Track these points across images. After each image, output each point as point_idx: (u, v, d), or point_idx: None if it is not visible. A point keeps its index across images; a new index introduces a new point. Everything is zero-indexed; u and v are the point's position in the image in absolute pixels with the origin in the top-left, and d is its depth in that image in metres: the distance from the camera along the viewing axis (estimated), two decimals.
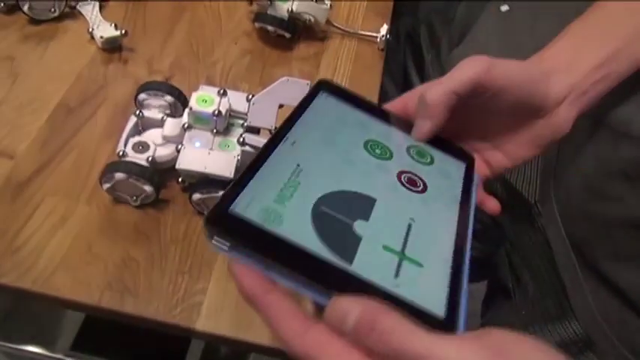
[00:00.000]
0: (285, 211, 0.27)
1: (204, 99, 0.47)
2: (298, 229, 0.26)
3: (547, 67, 0.38)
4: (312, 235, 0.26)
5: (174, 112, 0.53)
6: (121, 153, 0.47)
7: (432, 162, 0.36)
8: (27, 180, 0.50)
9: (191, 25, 0.68)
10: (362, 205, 0.30)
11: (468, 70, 0.34)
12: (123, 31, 0.62)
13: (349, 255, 0.26)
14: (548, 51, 0.40)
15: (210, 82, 0.62)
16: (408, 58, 1.15)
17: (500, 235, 0.67)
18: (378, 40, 0.71)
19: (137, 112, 0.50)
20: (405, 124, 0.38)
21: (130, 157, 0.48)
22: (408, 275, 0.27)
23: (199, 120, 0.47)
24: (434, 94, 0.34)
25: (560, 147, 0.53)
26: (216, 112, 0.47)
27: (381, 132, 0.37)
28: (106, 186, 0.47)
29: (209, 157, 0.47)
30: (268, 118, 0.48)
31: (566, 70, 0.38)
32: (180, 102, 0.53)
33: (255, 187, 0.28)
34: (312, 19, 0.68)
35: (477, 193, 0.37)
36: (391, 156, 0.34)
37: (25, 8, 0.62)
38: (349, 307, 0.23)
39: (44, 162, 0.52)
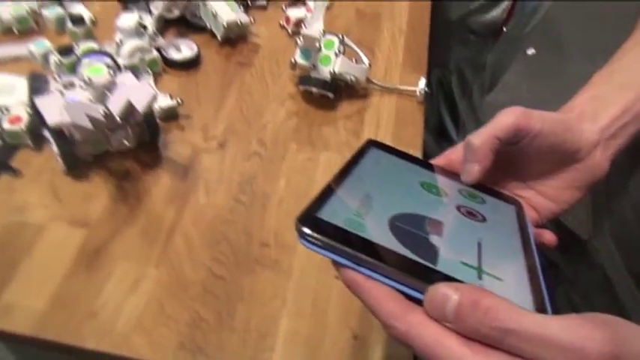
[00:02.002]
0: (365, 222, 0.29)
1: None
2: (380, 235, 0.28)
3: (576, 114, 0.41)
4: (394, 241, 0.28)
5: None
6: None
7: (484, 202, 0.38)
8: (102, 247, 0.53)
9: (240, 92, 0.72)
10: (432, 225, 0.31)
11: (507, 117, 0.37)
12: (179, 100, 0.66)
13: (432, 259, 0.28)
14: (575, 101, 0.43)
15: (261, 144, 0.65)
16: (441, 106, 1.19)
17: (556, 275, 0.67)
18: (418, 93, 0.74)
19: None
20: (453, 175, 0.40)
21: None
22: (492, 286, 0.27)
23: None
24: (479, 138, 0.37)
25: (609, 180, 0.54)
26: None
27: (432, 177, 0.39)
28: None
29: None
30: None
31: (592, 117, 0.41)
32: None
33: (337, 199, 0.30)
34: (354, 79, 0.72)
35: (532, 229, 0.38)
36: (446, 195, 0.37)
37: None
38: (449, 291, 0.24)
39: (116, 228, 0.55)
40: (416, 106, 0.74)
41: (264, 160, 0.64)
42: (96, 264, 0.52)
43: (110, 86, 0.58)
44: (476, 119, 1.18)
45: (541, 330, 0.22)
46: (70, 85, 0.60)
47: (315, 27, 0.71)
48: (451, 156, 0.41)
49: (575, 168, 0.40)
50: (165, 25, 0.79)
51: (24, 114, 0.60)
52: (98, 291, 0.50)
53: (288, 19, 0.83)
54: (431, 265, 0.27)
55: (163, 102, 0.66)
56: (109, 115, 0.52)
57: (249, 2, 0.85)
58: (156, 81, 0.71)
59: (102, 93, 0.58)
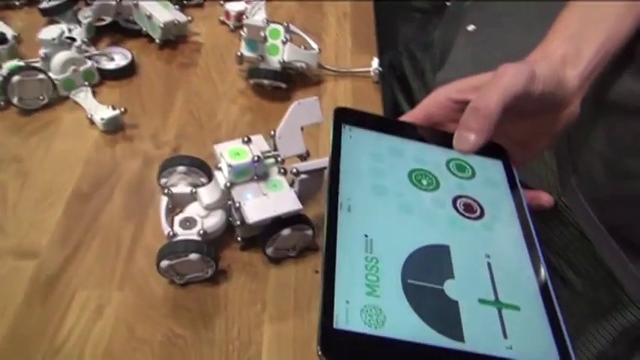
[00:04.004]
0: (382, 302, 0.27)
1: (236, 152, 0.47)
2: (403, 320, 0.26)
3: (559, 59, 0.38)
4: (418, 322, 0.27)
5: (195, 179, 0.53)
6: (170, 234, 0.47)
7: (473, 174, 0.36)
8: (55, 276, 0.48)
9: (187, 94, 0.68)
10: (441, 259, 0.30)
11: (516, 80, 0.34)
12: (122, 109, 0.62)
13: (458, 332, 0.27)
14: (548, 47, 0.40)
15: (217, 143, 0.61)
16: (395, 89, 1.17)
17: None
18: (372, 73, 0.72)
19: (166, 191, 0.50)
20: (435, 135, 0.38)
21: (181, 235, 0.47)
22: (514, 328, 0.27)
23: (241, 173, 0.47)
24: (487, 105, 0.34)
25: (570, 137, 0.53)
26: (256, 158, 0.47)
27: (417, 155, 0.36)
28: (165, 270, 0.46)
29: (270, 201, 0.47)
30: (297, 145, 0.49)
31: (574, 60, 0.39)
32: (202, 169, 0.52)
33: (342, 287, 0.27)
34: (305, 66, 0.69)
35: (525, 194, 0.36)
36: (437, 184, 0.34)
37: (15, 101, 0.61)
38: None
39: (69, 255, 0.50)
40: (372, 86, 0.72)
41: None
42: (52, 296, 0.47)
43: None
44: None
45: None
46: None
47: (257, 17, 0.68)
48: (429, 109, 0.38)
49: (554, 116, 0.38)
50: (97, 33, 0.74)
51: None
52: (58, 324, 0.45)
53: (228, 14, 0.79)
54: (459, 348, 0.26)
55: (105, 113, 0.62)
56: None
57: (184, 1, 0.81)
58: (95, 93, 0.66)
59: None
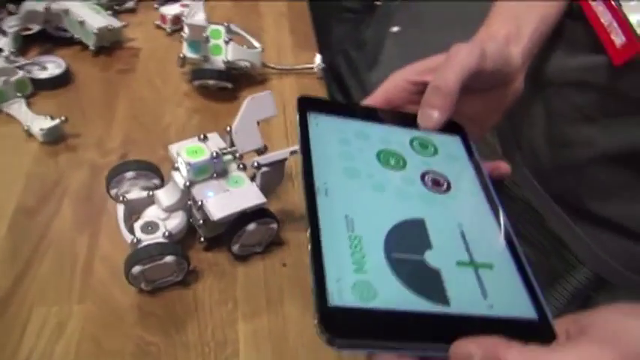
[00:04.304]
0: (370, 277, 0.28)
1: (193, 150, 0.46)
2: (391, 292, 0.28)
3: (503, 38, 0.41)
4: (405, 291, 0.28)
5: (146, 183, 0.51)
6: (134, 241, 0.45)
7: (436, 151, 0.37)
8: (6, 296, 0.45)
9: (129, 100, 0.66)
10: (418, 232, 0.31)
11: (469, 58, 0.36)
12: (63, 118, 0.59)
13: (443, 297, 0.28)
14: (491, 28, 0.43)
15: (167, 147, 0.60)
16: (332, 88, 1.19)
17: None
18: (315, 69, 0.73)
19: (121, 198, 0.48)
20: (396, 117, 0.39)
21: (145, 240, 0.45)
22: (491, 286, 0.29)
23: (200, 171, 0.46)
24: (446, 83, 0.35)
25: (512, 115, 0.56)
26: (215, 154, 0.46)
27: (382, 137, 0.37)
28: (135, 277, 0.44)
29: (233, 196, 0.47)
30: (254, 140, 0.49)
31: (516, 38, 0.41)
32: (152, 172, 0.51)
33: (331, 267, 0.28)
34: (249, 65, 0.69)
35: (485, 165, 0.38)
36: (405, 163, 0.36)
37: None
38: (470, 349, 0.25)
39: (19, 272, 0.47)
40: (317, 82, 0.73)
41: None
42: (5, 317, 0.44)
43: None
44: (366, 95, 1.21)
45: None
46: None
47: (197, 18, 0.66)
48: (389, 93, 0.39)
49: (502, 92, 0.40)
50: (24, 43, 0.70)
51: None
52: (15, 347, 0.42)
53: (164, 18, 0.77)
54: (445, 311, 0.28)
55: (44, 124, 0.58)
56: None
57: (115, 7, 0.78)
58: (29, 104, 0.62)
59: None
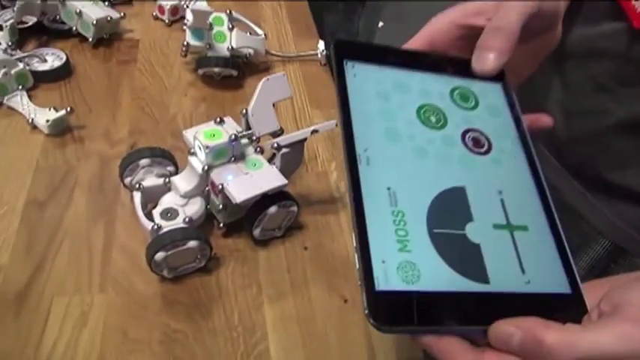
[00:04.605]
0: (414, 256, 0.27)
1: (211, 134, 0.45)
2: (435, 272, 0.27)
3: None
4: (448, 271, 0.27)
5: (161, 170, 0.50)
6: (155, 227, 0.44)
7: (477, 103, 0.36)
8: (25, 289, 0.44)
9: (133, 90, 0.65)
10: (460, 202, 0.30)
11: (524, 4, 0.34)
12: (68, 109, 0.57)
13: (483, 274, 0.28)
14: None
15: (177, 137, 0.59)
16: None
17: None
18: (319, 56, 0.72)
19: (138, 186, 0.47)
20: (437, 62, 0.37)
21: (166, 226, 0.44)
22: (527, 256, 0.29)
23: (219, 154, 0.45)
24: (512, 24, 0.33)
25: (529, 87, 0.56)
26: (233, 136, 0.45)
27: (423, 88, 0.35)
28: (158, 264, 0.44)
29: (254, 179, 0.46)
30: (271, 122, 0.48)
31: None
32: (166, 158, 0.50)
33: (376, 248, 0.27)
34: (252, 52, 0.68)
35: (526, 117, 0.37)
36: (445, 120, 0.34)
37: None
38: (509, 330, 0.25)
39: (36, 265, 0.46)
40: (321, 69, 0.72)
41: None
42: (25, 309, 0.43)
43: None
44: None
45: (598, 348, 0.24)
46: None
47: (199, 3, 0.66)
48: (433, 36, 0.37)
49: (545, 38, 0.39)
50: (21, 36, 0.68)
51: None
52: (37, 338, 0.41)
53: (161, 9, 0.76)
54: (486, 290, 0.27)
55: (49, 115, 0.57)
56: None
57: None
58: (31, 97, 0.61)
59: None
